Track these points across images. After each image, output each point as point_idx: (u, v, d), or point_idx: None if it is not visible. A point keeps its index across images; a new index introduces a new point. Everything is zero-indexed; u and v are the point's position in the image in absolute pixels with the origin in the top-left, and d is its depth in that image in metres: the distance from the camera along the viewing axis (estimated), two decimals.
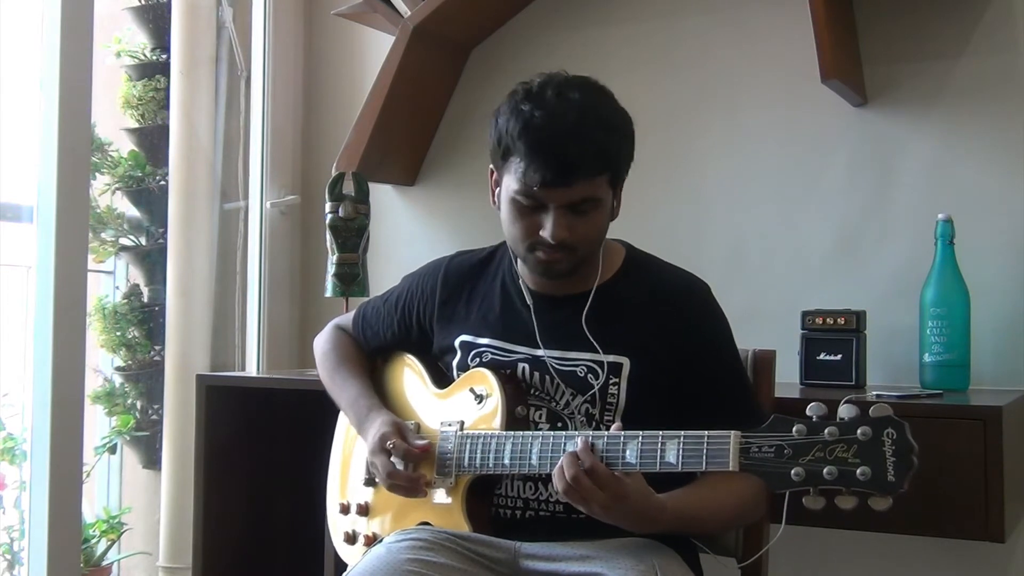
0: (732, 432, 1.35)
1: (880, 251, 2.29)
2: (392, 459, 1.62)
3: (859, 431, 1.26)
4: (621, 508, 1.42)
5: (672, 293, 1.64)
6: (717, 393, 1.60)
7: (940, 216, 2.09)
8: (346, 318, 1.94)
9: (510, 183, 1.56)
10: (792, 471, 1.28)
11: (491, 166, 1.64)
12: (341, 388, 1.82)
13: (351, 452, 1.83)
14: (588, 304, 1.62)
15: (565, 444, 1.46)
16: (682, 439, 1.39)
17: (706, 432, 1.37)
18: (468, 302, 1.73)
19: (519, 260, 1.67)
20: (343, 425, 1.88)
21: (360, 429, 1.73)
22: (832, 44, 2.10)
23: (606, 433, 1.45)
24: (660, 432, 1.41)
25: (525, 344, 1.65)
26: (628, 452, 1.41)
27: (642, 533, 1.52)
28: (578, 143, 1.51)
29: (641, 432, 1.42)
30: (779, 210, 2.39)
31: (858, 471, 1.25)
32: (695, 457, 1.37)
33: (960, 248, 2.08)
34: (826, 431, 1.28)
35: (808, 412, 1.30)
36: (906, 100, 2.27)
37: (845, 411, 1.28)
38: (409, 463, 1.62)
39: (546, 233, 1.54)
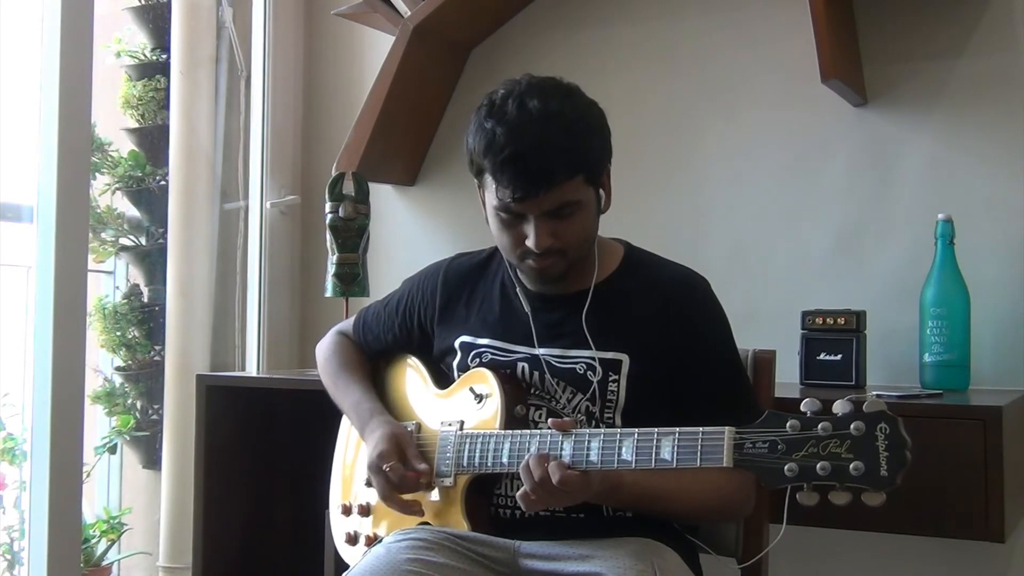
0: (726, 428, 1.34)
1: (880, 251, 2.29)
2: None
3: (852, 426, 1.25)
4: (584, 496, 1.47)
5: (670, 288, 1.64)
6: (715, 389, 1.59)
7: (940, 216, 2.09)
8: (347, 323, 1.94)
9: (489, 198, 1.58)
10: (785, 467, 1.28)
11: (475, 180, 1.64)
12: (344, 392, 1.82)
13: (353, 454, 1.83)
14: (588, 302, 1.62)
15: (562, 442, 1.46)
16: (677, 435, 1.38)
17: (701, 428, 1.37)
18: (468, 303, 1.74)
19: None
20: (345, 427, 1.88)
21: (362, 433, 1.73)
22: (832, 44, 2.10)
23: (602, 431, 1.45)
24: (655, 429, 1.40)
25: (524, 344, 1.65)
26: (624, 449, 1.41)
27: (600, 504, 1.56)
28: (542, 153, 1.50)
29: (636, 429, 1.42)
30: (779, 210, 2.39)
31: (851, 466, 1.24)
32: (690, 453, 1.37)
33: (960, 248, 2.08)
34: (819, 426, 1.27)
35: (802, 408, 1.29)
36: (906, 100, 2.27)
37: (839, 406, 1.27)
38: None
39: (530, 243, 1.55)
